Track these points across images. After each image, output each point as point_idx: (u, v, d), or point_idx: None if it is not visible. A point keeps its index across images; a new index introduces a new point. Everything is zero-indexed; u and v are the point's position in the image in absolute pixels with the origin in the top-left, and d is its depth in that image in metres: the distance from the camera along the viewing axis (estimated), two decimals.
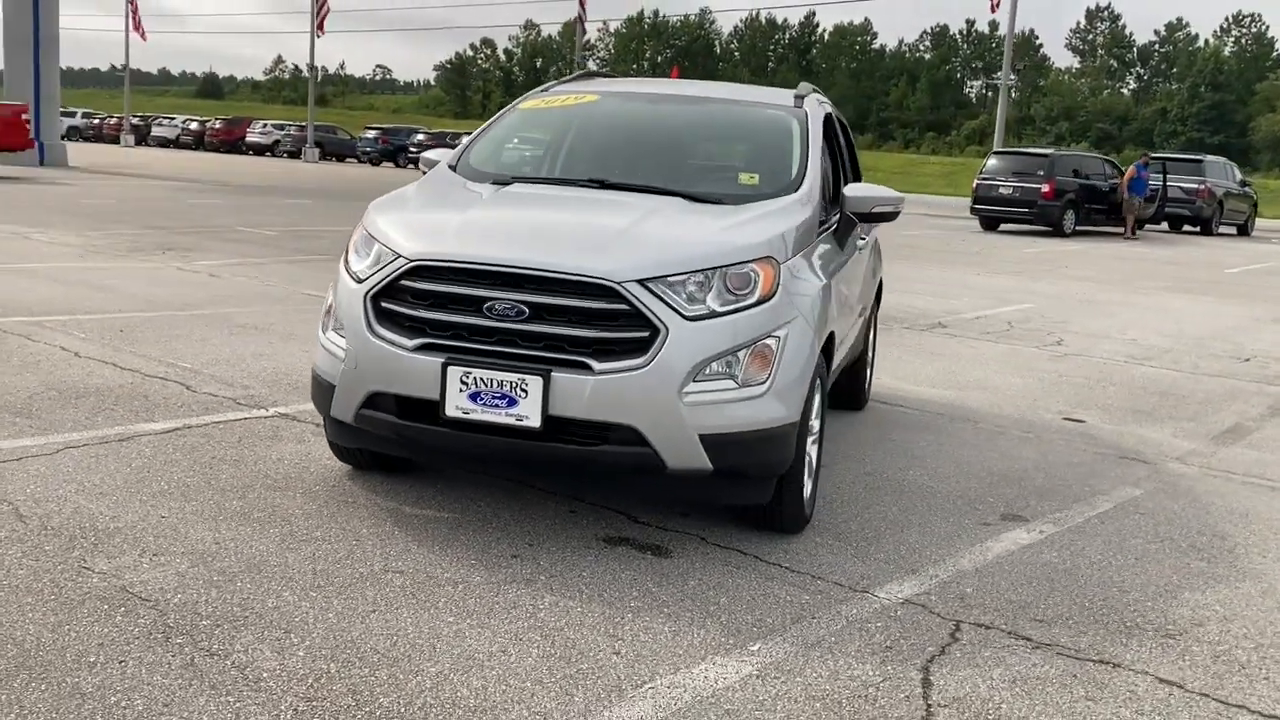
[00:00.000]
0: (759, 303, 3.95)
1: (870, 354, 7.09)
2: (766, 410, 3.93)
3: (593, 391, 3.74)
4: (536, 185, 4.77)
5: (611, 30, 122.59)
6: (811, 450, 4.58)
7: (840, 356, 5.26)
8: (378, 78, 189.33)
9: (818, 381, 4.42)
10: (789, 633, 3.46)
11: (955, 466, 5.66)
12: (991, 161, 26.85)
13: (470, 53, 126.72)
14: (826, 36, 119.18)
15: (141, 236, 13.91)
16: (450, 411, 3.82)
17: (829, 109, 5.82)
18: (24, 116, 24.24)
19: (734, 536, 4.28)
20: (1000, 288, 14.41)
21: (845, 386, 6.70)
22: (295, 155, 51.93)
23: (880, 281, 7.01)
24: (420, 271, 3.94)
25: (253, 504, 4.26)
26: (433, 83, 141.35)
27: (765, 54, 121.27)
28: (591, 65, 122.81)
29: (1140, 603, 3.95)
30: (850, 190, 4.95)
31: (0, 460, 4.57)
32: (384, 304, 3.99)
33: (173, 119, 60.75)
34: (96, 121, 61.33)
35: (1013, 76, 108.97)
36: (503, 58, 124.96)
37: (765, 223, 4.28)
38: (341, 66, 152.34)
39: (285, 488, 4.49)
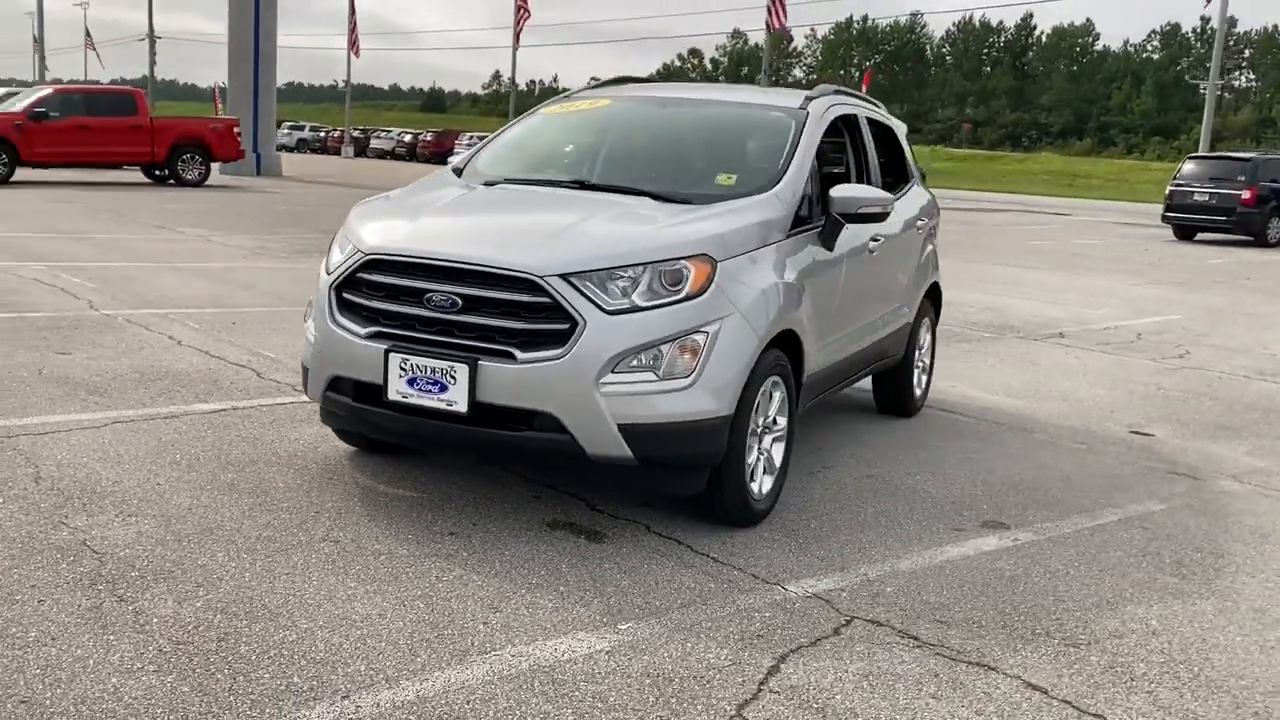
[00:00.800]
0: (687, 298, 4.06)
1: (927, 360, 6.99)
2: (691, 403, 4.04)
3: (515, 380, 3.95)
4: (519, 186, 5.01)
5: (819, 37, 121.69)
6: (776, 448, 4.64)
7: (834, 358, 5.25)
8: None
9: (776, 379, 4.49)
10: (669, 615, 3.56)
11: (970, 474, 5.56)
12: (1187, 166, 25.38)
13: (678, 63, 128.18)
14: (1044, 38, 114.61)
15: (313, 240, 14.88)
16: (392, 395, 4.11)
17: (852, 110, 5.82)
18: (236, 130, 26.22)
19: (679, 527, 4.39)
20: (1151, 298, 13.70)
21: (890, 392, 6.66)
22: None
23: (933, 286, 6.88)
24: (374, 265, 4.25)
25: (245, 477, 4.66)
26: None
27: (979, 57, 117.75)
28: (797, 73, 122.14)
29: (1068, 613, 3.84)
30: (835, 191, 4.96)
31: (53, 430, 5.14)
32: (345, 295, 4.32)
33: (390, 132, 64.22)
34: (323, 134, 65.51)
35: (1252, 78, 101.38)
36: (709, 67, 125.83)
37: (713, 222, 4.38)
38: (554, 79, 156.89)
39: (284, 464, 4.88)
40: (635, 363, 3.98)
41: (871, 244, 5.57)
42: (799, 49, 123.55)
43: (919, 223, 6.49)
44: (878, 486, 5.22)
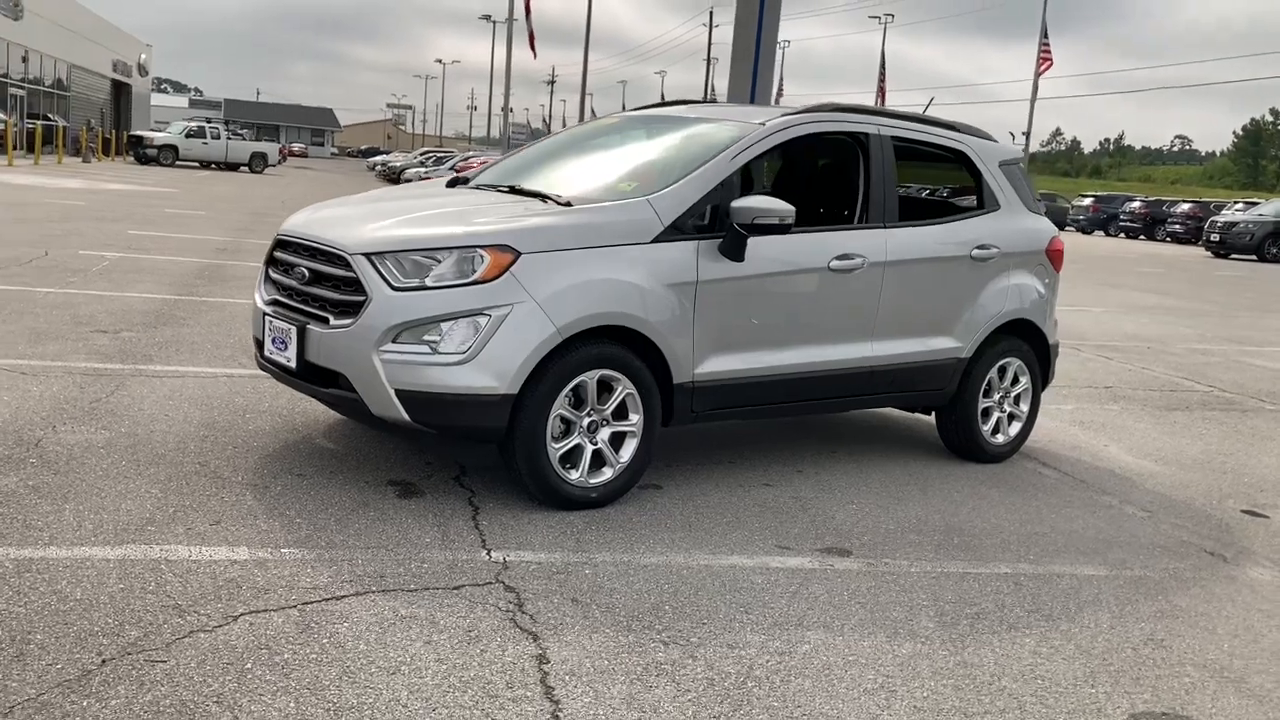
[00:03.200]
0: (476, 282, 4.44)
1: (1023, 407, 6.39)
2: (464, 377, 4.40)
3: (323, 343, 4.59)
4: (465, 188, 5.58)
5: None
6: (628, 444, 4.79)
7: (758, 371, 5.18)
8: (1175, 148, 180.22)
9: (610, 373, 4.66)
10: (336, 551, 3.98)
11: (920, 515, 5.19)
12: None
13: (1270, 118, 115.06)
14: None
15: None
16: (265, 352, 4.93)
17: (864, 130, 5.67)
18: None
19: (499, 501, 4.71)
20: None
21: (949, 431, 6.29)
22: None
23: (1018, 324, 6.25)
24: (278, 244, 5.09)
25: (237, 421, 5.66)
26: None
27: None
28: None
29: (724, 619, 3.70)
30: (735, 203, 4.96)
31: (174, 375, 6.54)
32: (268, 270, 5.20)
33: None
34: None
35: None
36: None
37: (542, 219, 4.69)
38: (1119, 137, 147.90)
39: (282, 415, 5.84)
40: (415, 336, 4.42)
41: (836, 262, 5.40)
42: None
43: (976, 252, 6.03)
44: (785, 505, 5.09)
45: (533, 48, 38.40)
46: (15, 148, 34.79)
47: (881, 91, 56.90)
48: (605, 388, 4.74)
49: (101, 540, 3.90)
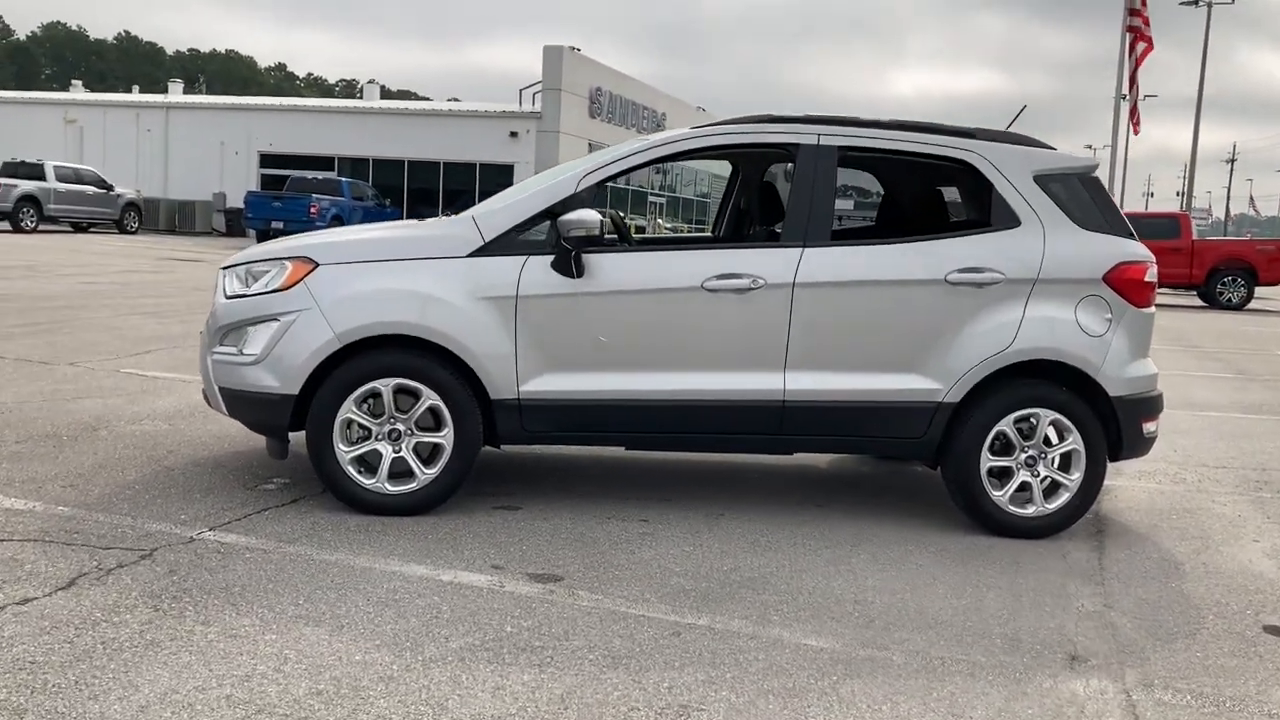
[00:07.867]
0: (274, 291, 4.84)
1: (1074, 475, 5.07)
2: (255, 377, 4.80)
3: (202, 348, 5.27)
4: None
5: None
6: (437, 456, 4.84)
7: (613, 393, 4.86)
8: None
9: (407, 382, 4.76)
10: (89, 513, 4.59)
11: (748, 565, 4.52)
12: None
13: None
14: None
15: None
16: None
17: (795, 140, 5.09)
18: None
19: (326, 498, 5.02)
20: None
21: (953, 490, 5.30)
22: None
23: (1052, 366, 5.00)
24: None
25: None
26: None
27: None
28: None
29: (258, 605, 3.70)
30: (560, 218, 4.77)
31: None
32: None
33: None
34: None
35: None
36: None
37: (351, 235, 5.02)
38: None
39: None
40: (234, 339, 4.92)
41: (715, 282, 4.87)
42: None
43: (955, 276, 4.96)
44: (603, 539, 4.72)
45: (1134, 124, 35.79)
46: None
47: None
48: (413, 397, 4.82)
49: None
